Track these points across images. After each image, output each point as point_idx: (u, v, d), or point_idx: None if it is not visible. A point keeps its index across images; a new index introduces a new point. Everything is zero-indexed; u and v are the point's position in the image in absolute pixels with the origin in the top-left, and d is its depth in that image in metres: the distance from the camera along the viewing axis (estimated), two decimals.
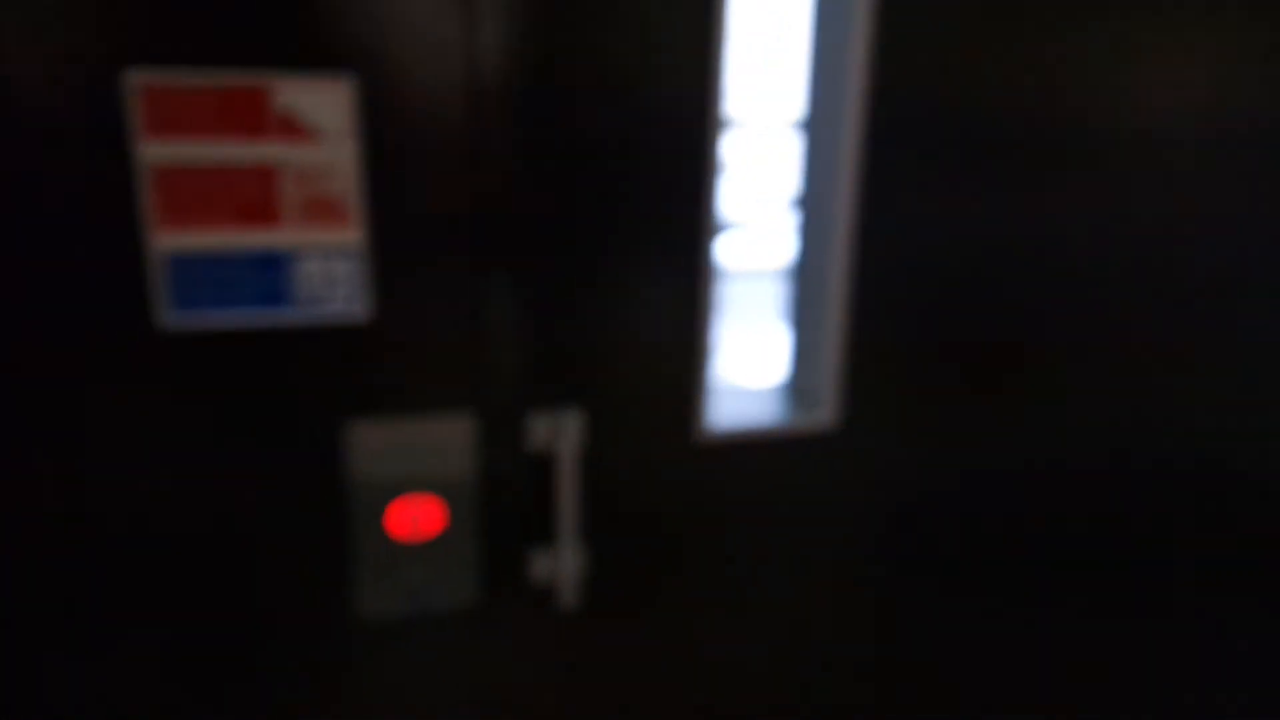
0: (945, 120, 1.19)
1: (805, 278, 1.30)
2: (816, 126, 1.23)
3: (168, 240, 0.94)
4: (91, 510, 1.01)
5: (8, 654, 1.04)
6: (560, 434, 1.11)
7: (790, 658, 1.38)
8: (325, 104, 0.94)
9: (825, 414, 1.27)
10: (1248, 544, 1.60)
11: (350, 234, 0.99)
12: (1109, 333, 1.38)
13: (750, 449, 1.25)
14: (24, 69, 0.86)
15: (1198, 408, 1.48)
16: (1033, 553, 1.48)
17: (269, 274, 0.98)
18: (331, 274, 1.00)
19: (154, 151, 0.91)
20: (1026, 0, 1.18)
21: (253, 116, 0.92)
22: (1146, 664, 1.63)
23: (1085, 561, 1.52)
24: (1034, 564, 1.49)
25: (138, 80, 0.88)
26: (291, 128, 0.94)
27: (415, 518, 1.11)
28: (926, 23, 1.14)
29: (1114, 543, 1.52)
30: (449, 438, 1.10)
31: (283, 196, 0.95)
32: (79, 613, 1.05)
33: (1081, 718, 1.62)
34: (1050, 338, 1.36)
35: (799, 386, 1.34)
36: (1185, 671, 1.66)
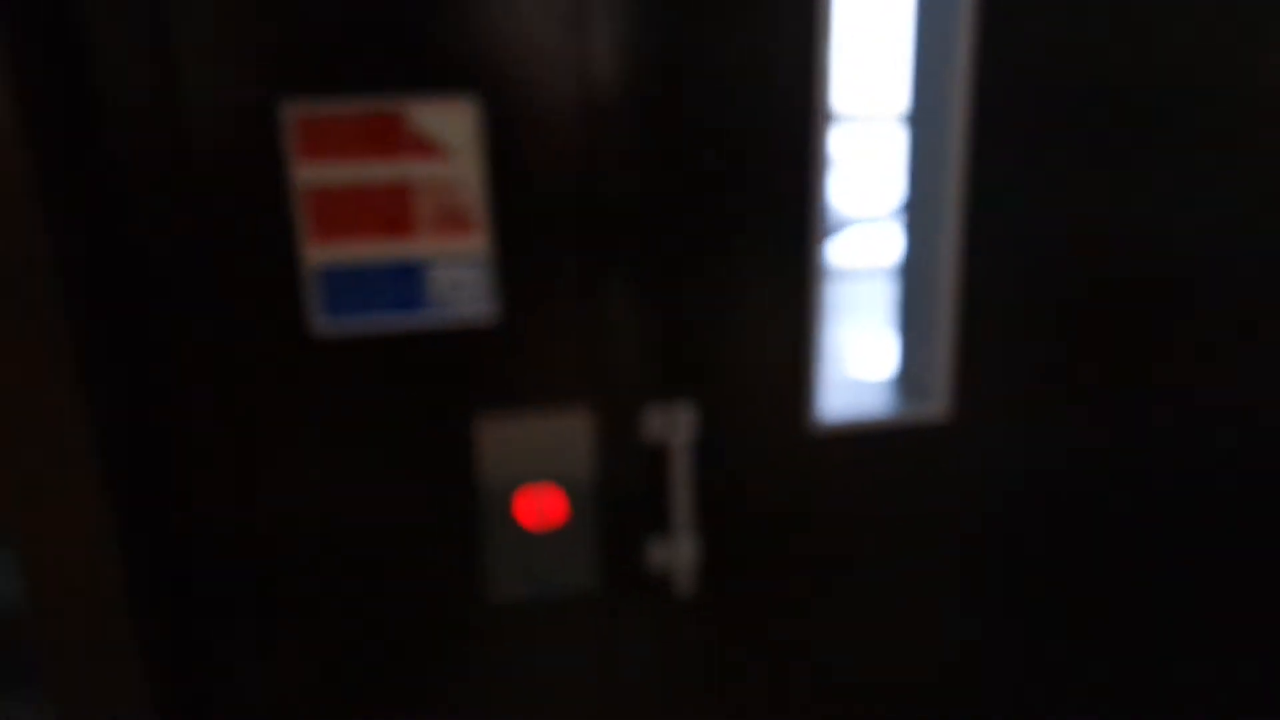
0: (1056, 106, 1.18)
1: (916, 268, 1.31)
2: (923, 117, 1.24)
3: (318, 253, 1.04)
4: (252, 499, 1.13)
5: (188, 633, 1.16)
6: (674, 427, 1.16)
7: (899, 647, 1.39)
8: (453, 122, 1.02)
9: (937, 406, 1.28)
10: None
11: (476, 242, 1.07)
12: (1236, 321, 1.33)
13: (862, 440, 1.27)
14: (197, 104, 0.97)
15: None
16: (1151, 548, 1.43)
17: (405, 281, 1.06)
18: (459, 279, 1.08)
19: (306, 173, 1.01)
20: None
21: (391, 138, 1.01)
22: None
23: (1208, 559, 1.46)
24: (1152, 558, 1.44)
25: (293, 110, 0.99)
26: (424, 146, 1.02)
27: (540, 507, 1.18)
28: (1034, 8, 1.14)
29: (1240, 540, 1.46)
30: (570, 431, 1.16)
31: (417, 210, 1.04)
32: (239, 595, 1.16)
33: (1204, 715, 1.55)
34: (1171, 326, 1.32)
35: (911, 379, 1.35)
36: None
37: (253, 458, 1.11)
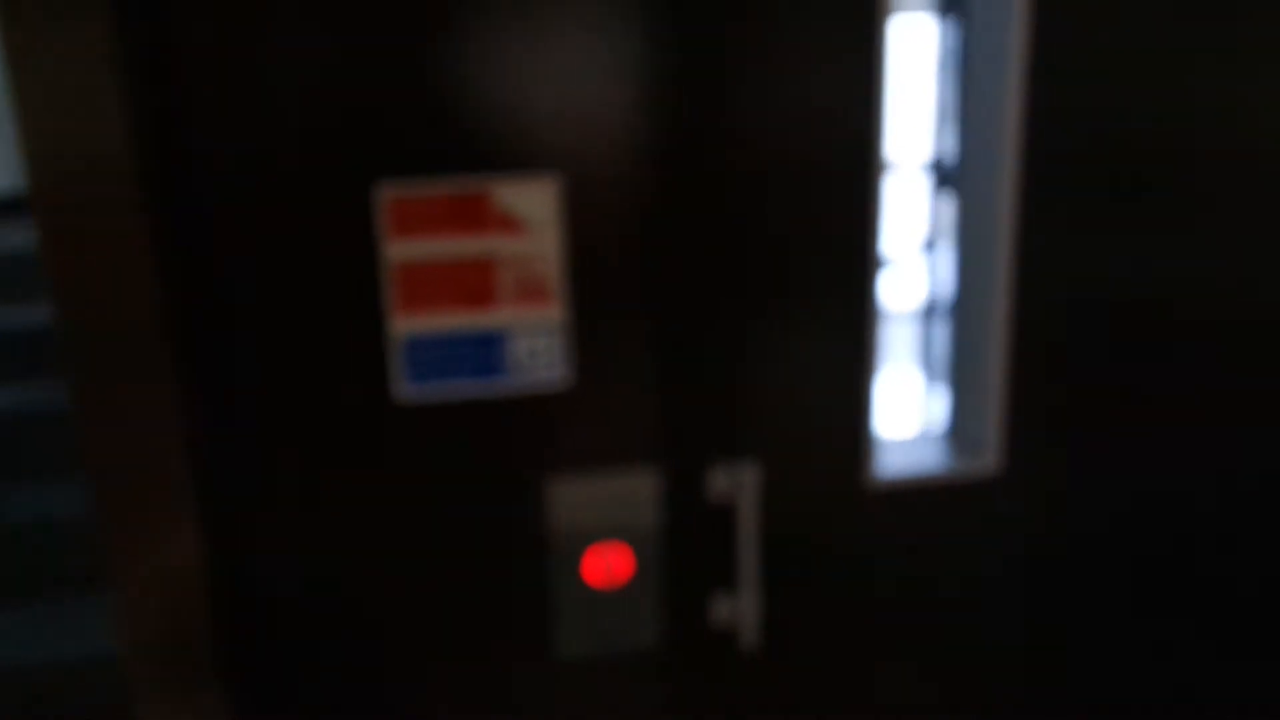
0: (1107, 155, 1.23)
1: (962, 324, 1.35)
2: (971, 168, 1.28)
3: (405, 324, 1.09)
4: (331, 548, 1.17)
5: (263, 676, 1.20)
6: (738, 486, 1.20)
7: (958, 697, 1.41)
8: (534, 200, 1.08)
9: (988, 460, 1.31)
10: None
11: (553, 312, 1.12)
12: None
13: (916, 495, 1.30)
14: (301, 184, 1.04)
15: None
16: (1206, 598, 1.45)
17: (485, 349, 1.12)
18: (536, 347, 1.13)
19: (397, 250, 1.06)
20: (1190, 32, 1.20)
21: (477, 216, 1.07)
22: None
23: (1266, 605, 1.47)
24: (1208, 609, 1.46)
25: (387, 191, 1.05)
26: (507, 223, 1.08)
27: (607, 565, 1.22)
28: (1082, 59, 1.19)
29: None
30: (638, 491, 1.20)
31: (498, 282, 1.10)
32: (310, 640, 1.20)
33: None
34: (1224, 374, 1.35)
35: (960, 433, 1.38)
36: None
37: (334, 511, 1.15)
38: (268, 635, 1.18)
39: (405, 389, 1.11)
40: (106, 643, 1.12)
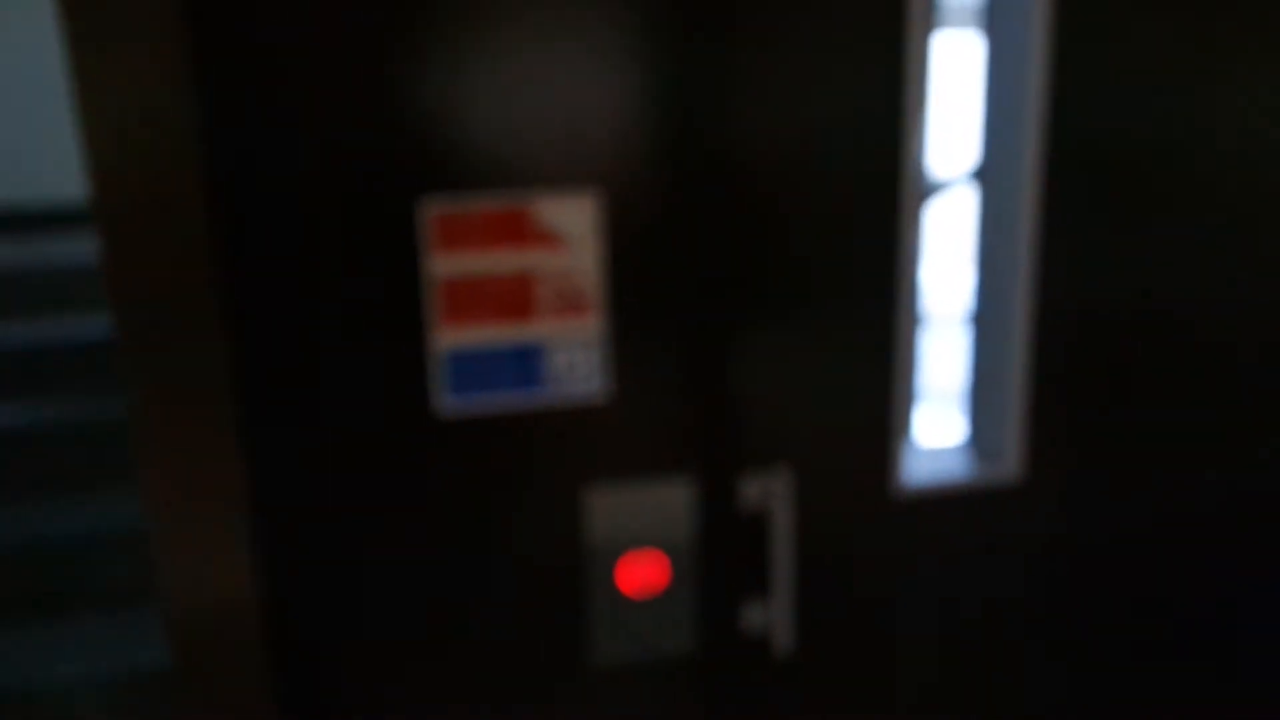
0: (1128, 167, 1.26)
1: (983, 332, 1.38)
2: (992, 179, 1.31)
3: (447, 338, 1.11)
4: (376, 564, 1.18)
5: (309, 690, 1.21)
6: (771, 494, 1.22)
7: (984, 701, 1.43)
8: (574, 216, 1.10)
9: (1009, 467, 1.34)
10: None
11: (591, 324, 1.14)
12: None
13: (941, 502, 1.33)
14: (349, 200, 1.06)
15: None
16: (1227, 604, 1.48)
17: (525, 362, 1.14)
18: (574, 360, 1.15)
19: (440, 265, 1.09)
20: (1210, 41, 1.24)
21: (518, 231, 1.09)
22: None
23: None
24: (1229, 615, 1.48)
25: (432, 207, 1.07)
26: (548, 238, 1.10)
27: (643, 573, 1.24)
28: (1102, 71, 1.22)
29: None
30: (672, 500, 1.22)
31: (539, 296, 1.12)
32: (351, 650, 1.21)
33: None
34: (1241, 378, 1.38)
35: (981, 441, 1.41)
36: None
37: (377, 523, 1.17)
38: (315, 650, 1.19)
39: (447, 402, 1.13)
40: (148, 660, 1.13)
